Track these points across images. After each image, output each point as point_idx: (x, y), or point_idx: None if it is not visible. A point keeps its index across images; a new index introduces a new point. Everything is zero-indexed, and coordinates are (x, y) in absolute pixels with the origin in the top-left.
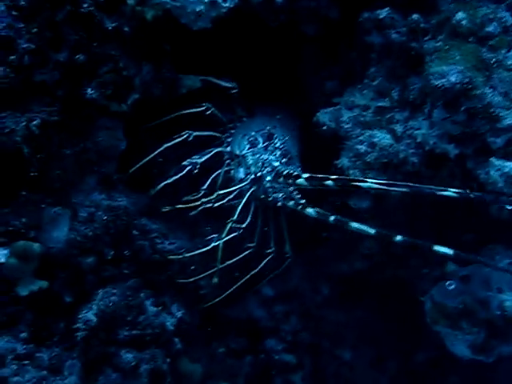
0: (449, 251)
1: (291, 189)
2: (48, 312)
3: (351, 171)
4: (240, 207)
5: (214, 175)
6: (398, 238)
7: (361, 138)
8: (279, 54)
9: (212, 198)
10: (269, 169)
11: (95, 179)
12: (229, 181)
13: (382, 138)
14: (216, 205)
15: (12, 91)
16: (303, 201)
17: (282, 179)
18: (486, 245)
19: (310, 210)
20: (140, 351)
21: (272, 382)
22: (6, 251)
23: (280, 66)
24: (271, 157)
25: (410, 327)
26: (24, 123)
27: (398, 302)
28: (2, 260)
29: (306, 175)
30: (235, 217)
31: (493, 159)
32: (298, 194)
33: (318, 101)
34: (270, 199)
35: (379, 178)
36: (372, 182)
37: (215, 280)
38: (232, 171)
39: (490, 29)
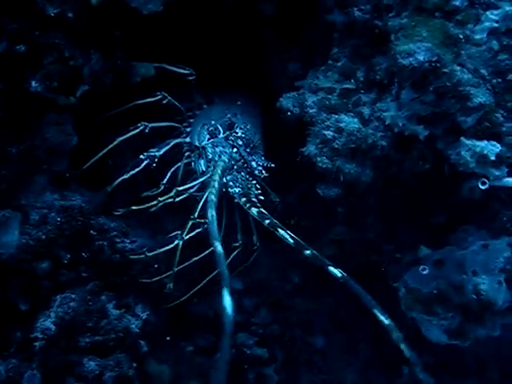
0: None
1: (253, 183)
2: (3, 321)
3: (318, 158)
4: (201, 203)
5: (173, 168)
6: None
7: (327, 123)
8: (237, 37)
9: (171, 195)
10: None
11: (46, 178)
12: (190, 173)
13: (349, 122)
14: (177, 199)
15: None
16: (255, 199)
17: (241, 174)
18: (458, 226)
19: (253, 210)
20: (104, 358)
21: (244, 377)
22: None
23: (238, 50)
24: (231, 150)
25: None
26: None
27: (369, 288)
28: None
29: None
30: (196, 214)
31: (463, 139)
32: (256, 190)
33: (281, 84)
34: (230, 193)
35: None
36: None
37: (170, 286)
38: (192, 163)
39: (456, 3)
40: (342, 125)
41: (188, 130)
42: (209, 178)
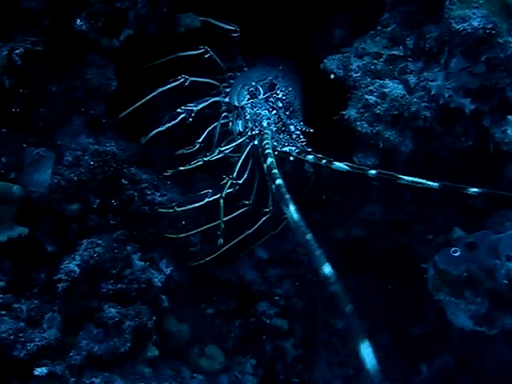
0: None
1: (292, 128)
2: (28, 261)
3: (358, 123)
4: (239, 163)
5: (210, 128)
6: (372, 172)
7: (371, 87)
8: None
9: (210, 154)
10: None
11: (82, 121)
12: (226, 134)
13: (394, 88)
14: (212, 159)
15: None
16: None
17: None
18: (496, 210)
19: (309, 157)
20: (124, 307)
21: (262, 347)
22: None
23: (283, 13)
24: (270, 112)
25: (408, 300)
26: (5, 52)
27: (398, 273)
28: None
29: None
30: (235, 174)
31: (511, 117)
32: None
33: (326, 50)
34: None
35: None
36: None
37: (221, 241)
38: (230, 123)
39: None
40: (385, 90)
41: (227, 90)
42: (259, 147)
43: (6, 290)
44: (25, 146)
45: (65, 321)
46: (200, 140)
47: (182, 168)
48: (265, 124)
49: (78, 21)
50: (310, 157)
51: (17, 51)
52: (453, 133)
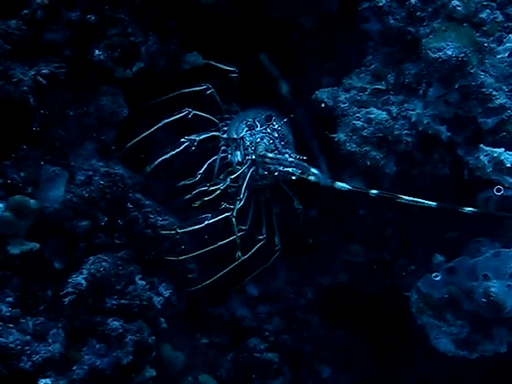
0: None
1: (287, 156)
2: (36, 278)
3: (347, 144)
4: (244, 186)
5: (210, 160)
6: (373, 191)
7: (357, 114)
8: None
9: (219, 182)
10: (264, 142)
11: (94, 146)
12: (226, 166)
13: (379, 114)
14: (211, 188)
15: (22, 45)
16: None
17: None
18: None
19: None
20: (127, 322)
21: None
22: (2, 204)
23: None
24: (268, 140)
25: (395, 356)
26: (33, 73)
27: (384, 326)
28: None
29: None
30: (241, 195)
31: (482, 146)
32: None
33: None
34: (272, 170)
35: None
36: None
37: (239, 254)
38: (229, 156)
39: (483, 15)
40: (371, 116)
41: (225, 128)
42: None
43: (14, 305)
44: (42, 163)
45: (68, 336)
46: (201, 171)
47: (187, 197)
48: (262, 150)
49: (97, 51)
50: (313, 177)
51: (43, 71)
52: (431, 160)
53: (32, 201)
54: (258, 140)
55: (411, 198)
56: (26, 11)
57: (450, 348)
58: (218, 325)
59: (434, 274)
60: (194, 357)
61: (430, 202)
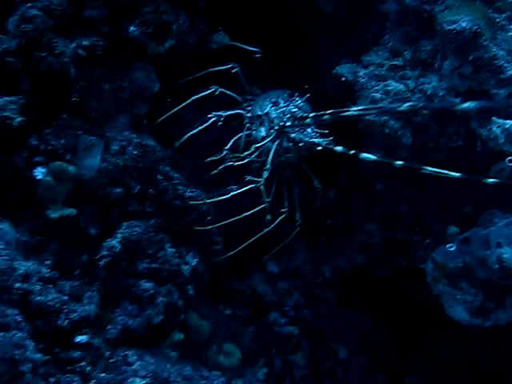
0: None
1: (309, 130)
2: (72, 244)
3: (366, 117)
4: (271, 157)
5: (235, 137)
6: (398, 162)
7: (376, 87)
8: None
9: (240, 155)
10: (289, 116)
11: (127, 118)
12: (250, 143)
13: (396, 86)
14: (237, 163)
15: (64, 21)
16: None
17: (297, 122)
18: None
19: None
20: (157, 285)
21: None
22: (43, 169)
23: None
24: (291, 107)
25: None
26: (74, 45)
27: (400, 313)
28: (40, 177)
29: (312, 114)
30: (268, 165)
31: (494, 118)
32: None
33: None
34: (297, 141)
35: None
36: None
37: (268, 217)
38: (253, 132)
39: None
40: (389, 88)
41: (248, 108)
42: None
43: (52, 267)
44: (80, 132)
45: (103, 298)
46: (227, 147)
47: (213, 172)
48: (288, 122)
49: (132, 27)
50: (339, 147)
51: (83, 43)
52: (446, 132)
53: (71, 167)
54: (282, 114)
55: (435, 169)
56: None
57: (464, 316)
58: (240, 299)
59: (448, 245)
60: (218, 327)
61: (454, 173)
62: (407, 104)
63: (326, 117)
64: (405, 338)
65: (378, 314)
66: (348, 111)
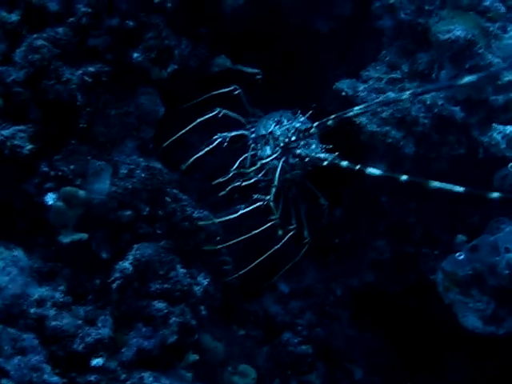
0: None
1: (314, 146)
2: (84, 268)
3: (368, 126)
4: (277, 174)
5: (241, 158)
6: (403, 177)
7: (376, 100)
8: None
9: (247, 171)
10: (293, 131)
11: (134, 143)
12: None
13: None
14: (244, 184)
15: (69, 50)
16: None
17: (302, 135)
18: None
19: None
20: (170, 305)
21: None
22: (54, 195)
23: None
24: (295, 123)
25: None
26: (80, 72)
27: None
28: (51, 202)
29: (316, 123)
30: (276, 182)
31: (495, 124)
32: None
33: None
34: (303, 156)
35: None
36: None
37: (280, 232)
38: (259, 152)
39: (487, 3)
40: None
41: (252, 129)
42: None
43: (65, 293)
44: (89, 158)
45: (116, 321)
46: (233, 168)
47: (221, 193)
48: (293, 137)
49: (135, 54)
50: (344, 162)
51: (89, 70)
52: (448, 141)
53: (81, 191)
54: (286, 131)
55: (440, 184)
56: (72, 19)
57: (477, 324)
58: (253, 320)
59: (457, 254)
60: (232, 348)
61: (458, 188)
62: (408, 92)
63: (330, 122)
64: (417, 356)
65: (390, 331)
66: (351, 111)
